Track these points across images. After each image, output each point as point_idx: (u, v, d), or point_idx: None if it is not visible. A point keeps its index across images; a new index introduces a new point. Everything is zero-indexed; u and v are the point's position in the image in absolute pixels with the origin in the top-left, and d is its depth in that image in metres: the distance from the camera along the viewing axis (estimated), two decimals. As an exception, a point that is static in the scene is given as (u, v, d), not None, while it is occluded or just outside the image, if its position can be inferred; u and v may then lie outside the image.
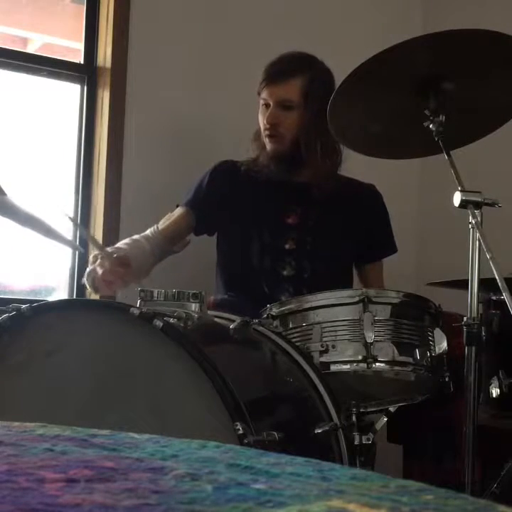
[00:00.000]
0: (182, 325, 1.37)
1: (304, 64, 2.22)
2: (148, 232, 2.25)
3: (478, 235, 1.55)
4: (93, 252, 2.07)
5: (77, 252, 2.55)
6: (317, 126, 2.15)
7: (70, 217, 2.10)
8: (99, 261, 1.95)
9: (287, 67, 2.20)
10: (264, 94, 2.22)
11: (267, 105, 2.21)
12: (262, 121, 2.24)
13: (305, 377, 1.54)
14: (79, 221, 2.53)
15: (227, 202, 2.29)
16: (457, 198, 1.57)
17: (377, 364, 1.64)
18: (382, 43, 1.63)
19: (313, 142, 2.18)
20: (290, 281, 2.21)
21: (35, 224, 1.60)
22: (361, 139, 1.88)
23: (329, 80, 2.20)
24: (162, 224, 2.28)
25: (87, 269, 2.04)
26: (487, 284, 1.58)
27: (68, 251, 2.60)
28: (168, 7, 2.71)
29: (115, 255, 1.97)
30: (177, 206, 2.33)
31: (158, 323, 1.32)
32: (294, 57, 2.23)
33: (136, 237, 2.22)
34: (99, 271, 1.94)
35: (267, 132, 2.21)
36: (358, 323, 1.65)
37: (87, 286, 2.07)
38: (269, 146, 2.22)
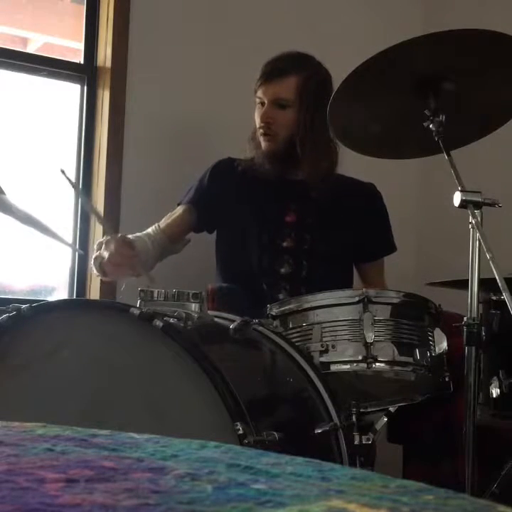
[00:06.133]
0: (182, 325, 1.37)
1: (299, 63, 2.22)
2: (149, 230, 2.26)
3: (478, 235, 1.55)
4: (96, 239, 2.09)
5: (76, 253, 2.55)
6: (312, 125, 2.15)
7: (71, 182, 2.05)
8: (104, 245, 1.96)
9: (282, 66, 2.20)
10: (259, 93, 2.22)
11: (262, 104, 2.22)
12: (257, 120, 2.24)
13: (305, 377, 1.54)
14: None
15: (226, 199, 2.29)
16: (457, 198, 1.57)
17: (377, 364, 1.64)
18: (382, 43, 1.63)
19: (308, 141, 2.18)
20: (288, 279, 2.21)
21: (35, 225, 1.60)
22: (361, 139, 1.88)
23: (325, 80, 2.20)
24: (163, 222, 2.29)
25: (93, 255, 2.05)
26: (487, 284, 1.58)
27: (68, 251, 2.60)
28: (168, 7, 2.71)
29: (120, 235, 1.98)
30: (178, 205, 2.33)
31: (158, 323, 1.32)
32: (289, 57, 2.23)
33: (138, 234, 2.23)
34: (106, 254, 1.95)
35: (261, 130, 2.22)
36: (358, 323, 1.65)
37: (95, 271, 2.08)
38: (263, 145, 2.22)
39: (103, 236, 2.14)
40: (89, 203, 2.19)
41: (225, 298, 2.06)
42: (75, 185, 2.10)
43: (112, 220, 2.54)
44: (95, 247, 2.06)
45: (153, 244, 2.21)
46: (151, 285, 1.63)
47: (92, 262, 2.07)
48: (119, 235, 2.01)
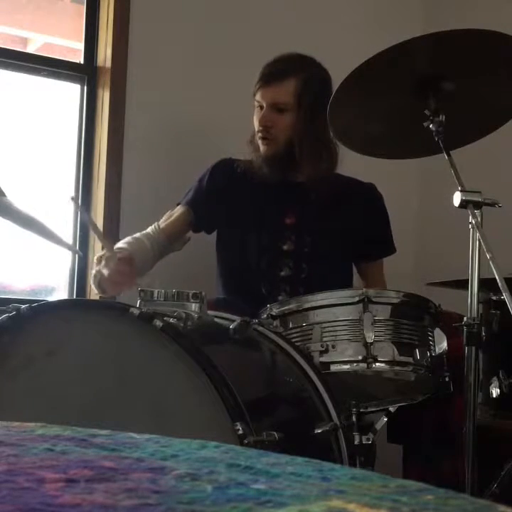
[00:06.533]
0: (182, 325, 1.37)
1: (297, 66, 2.21)
2: (149, 230, 2.26)
3: (478, 235, 1.55)
4: (96, 254, 2.09)
5: (76, 255, 2.55)
6: (311, 128, 2.15)
7: (72, 199, 2.12)
8: (103, 262, 1.96)
9: (281, 69, 2.19)
10: (258, 96, 2.21)
11: (261, 107, 2.21)
12: (255, 123, 2.23)
13: (305, 377, 1.54)
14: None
15: (225, 201, 2.29)
16: (457, 198, 1.57)
17: (377, 364, 1.64)
18: (383, 43, 1.63)
19: (307, 144, 2.17)
20: (287, 282, 2.21)
21: (35, 226, 1.60)
22: (361, 139, 1.88)
23: (324, 81, 2.19)
24: (163, 222, 2.29)
25: (93, 271, 2.05)
26: (487, 284, 1.58)
27: (68, 251, 2.60)
28: (168, 7, 2.71)
29: (119, 256, 1.98)
30: (177, 205, 2.33)
31: (158, 323, 1.32)
32: (288, 59, 2.22)
33: (137, 235, 2.23)
34: (106, 272, 1.95)
35: (260, 134, 2.21)
36: (358, 323, 1.65)
37: (94, 289, 2.08)
38: (262, 148, 2.22)
39: (102, 248, 2.14)
40: (89, 218, 2.19)
41: (224, 310, 2.06)
42: (74, 199, 2.14)
43: (112, 220, 2.54)
44: (94, 260, 2.06)
45: (152, 246, 2.21)
46: (154, 286, 1.63)
47: (92, 279, 2.07)
48: (119, 255, 2.01)
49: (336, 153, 2.21)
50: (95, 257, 2.06)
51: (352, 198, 2.30)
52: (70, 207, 2.64)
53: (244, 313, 1.59)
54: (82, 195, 2.60)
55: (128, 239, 2.21)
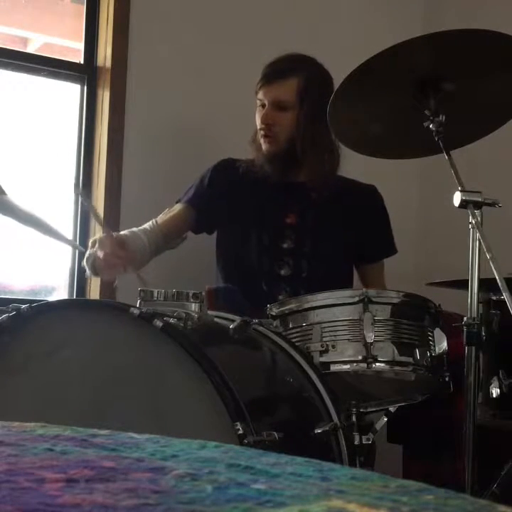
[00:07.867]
0: (182, 325, 1.37)
1: (300, 65, 2.22)
2: (146, 225, 2.26)
3: (478, 235, 1.55)
4: (92, 237, 2.09)
5: (77, 252, 2.55)
6: (313, 127, 2.15)
7: (75, 189, 2.12)
8: (98, 244, 1.96)
9: (283, 68, 2.20)
10: (260, 95, 2.22)
11: (263, 105, 2.22)
12: (258, 122, 2.24)
13: (305, 377, 1.54)
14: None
15: (227, 200, 2.29)
16: (457, 198, 1.57)
17: (377, 364, 1.64)
18: (382, 43, 1.63)
19: (309, 143, 2.18)
20: (288, 281, 2.21)
21: (36, 223, 1.61)
22: (361, 139, 1.88)
23: (326, 81, 2.19)
24: (161, 219, 2.28)
25: (87, 253, 2.04)
26: (487, 284, 1.58)
27: (68, 251, 2.60)
28: (168, 7, 2.71)
29: (115, 235, 1.98)
30: (177, 202, 2.33)
31: (158, 323, 1.32)
32: (290, 58, 2.23)
33: (134, 229, 2.22)
34: (100, 254, 1.94)
35: (262, 132, 2.22)
36: (358, 323, 1.65)
37: (87, 270, 2.07)
38: (264, 147, 2.22)
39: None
40: (90, 204, 2.18)
41: (224, 299, 2.06)
42: (77, 186, 2.13)
43: (112, 219, 2.54)
44: (89, 243, 2.06)
45: (149, 241, 2.21)
46: (144, 287, 1.63)
47: (85, 260, 2.06)
48: (114, 233, 2.01)
49: (337, 155, 2.21)
50: (90, 240, 2.06)
51: (352, 198, 2.30)
52: (72, 195, 2.63)
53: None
54: (85, 189, 2.60)
55: (125, 232, 2.21)
